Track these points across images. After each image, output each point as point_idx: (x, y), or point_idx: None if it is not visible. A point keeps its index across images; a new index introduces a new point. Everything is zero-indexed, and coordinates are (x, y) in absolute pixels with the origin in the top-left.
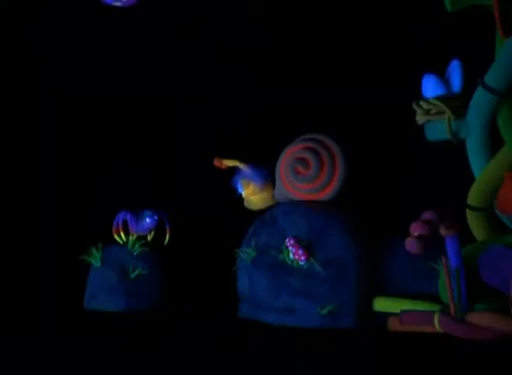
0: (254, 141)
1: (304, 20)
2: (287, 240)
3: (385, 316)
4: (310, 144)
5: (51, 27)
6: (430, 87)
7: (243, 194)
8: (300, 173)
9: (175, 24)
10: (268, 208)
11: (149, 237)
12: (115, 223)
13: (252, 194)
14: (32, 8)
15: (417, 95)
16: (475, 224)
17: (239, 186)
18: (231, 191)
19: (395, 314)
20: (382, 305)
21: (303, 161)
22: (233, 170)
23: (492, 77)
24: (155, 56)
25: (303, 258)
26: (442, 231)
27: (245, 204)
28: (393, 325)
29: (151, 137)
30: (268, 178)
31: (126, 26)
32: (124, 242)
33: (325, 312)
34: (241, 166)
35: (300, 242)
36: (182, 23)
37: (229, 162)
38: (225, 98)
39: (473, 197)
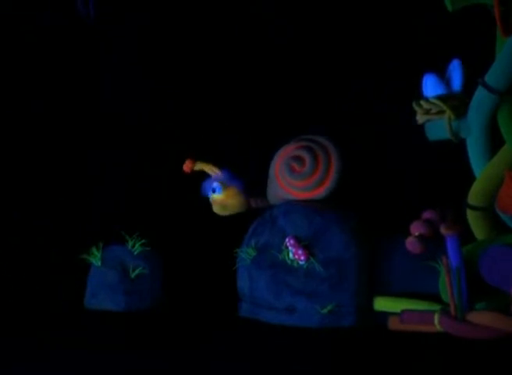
0: (247, 143)
1: (303, 20)
2: (287, 239)
3: (385, 315)
4: (304, 143)
5: None
6: (430, 86)
7: (221, 197)
8: (295, 170)
9: None
10: (268, 208)
11: None
12: None
13: (231, 198)
14: None
15: (418, 95)
16: (476, 223)
17: (216, 186)
18: None
19: (395, 313)
20: (382, 304)
21: (298, 158)
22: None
23: (492, 77)
24: None
25: (303, 257)
26: (443, 231)
27: (217, 209)
28: (394, 324)
29: (150, 136)
30: (243, 183)
31: None
32: None
33: (325, 311)
34: (214, 171)
35: (299, 242)
36: None
37: (202, 166)
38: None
39: (473, 196)
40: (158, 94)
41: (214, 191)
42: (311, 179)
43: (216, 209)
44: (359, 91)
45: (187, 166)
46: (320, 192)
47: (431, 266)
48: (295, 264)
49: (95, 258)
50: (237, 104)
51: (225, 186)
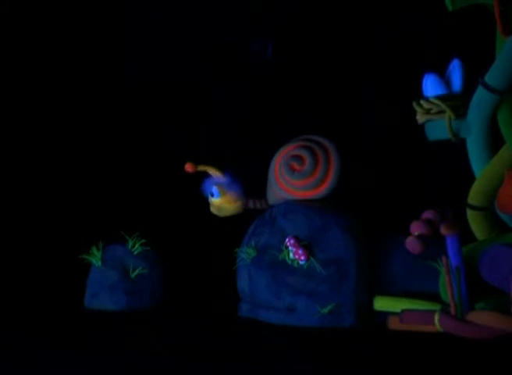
0: (246, 144)
1: (303, 20)
2: (287, 239)
3: (385, 315)
4: (303, 143)
5: None
6: (430, 86)
7: (218, 201)
8: (295, 169)
9: None
10: (268, 208)
11: None
12: None
13: (228, 203)
14: None
15: (418, 94)
16: (476, 223)
17: (214, 191)
18: None
19: (395, 313)
20: (382, 304)
21: (297, 158)
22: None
23: (492, 77)
24: None
25: (303, 257)
26: (443, 230)
27: (213, 210)
28: (393, 324)
29: (151, 137)
30: (242, 189)
31: None
32: None
33: (325, 311)
34: (216, 173)
35: (299, 242)
36: None
37: (204, 168)
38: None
39: (473, 196)
40: (158, 94)
41: (212, 195)
42: (311, 178)
43: (213, 210)
44: (359, 91)
45: (189, 167)
46: (320, 191)
47: (431, 266)
48: (295, 264)
49: (95, 258)
50: (237, 104)
51: (223, 191)
